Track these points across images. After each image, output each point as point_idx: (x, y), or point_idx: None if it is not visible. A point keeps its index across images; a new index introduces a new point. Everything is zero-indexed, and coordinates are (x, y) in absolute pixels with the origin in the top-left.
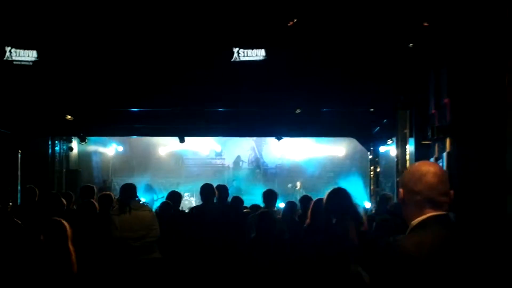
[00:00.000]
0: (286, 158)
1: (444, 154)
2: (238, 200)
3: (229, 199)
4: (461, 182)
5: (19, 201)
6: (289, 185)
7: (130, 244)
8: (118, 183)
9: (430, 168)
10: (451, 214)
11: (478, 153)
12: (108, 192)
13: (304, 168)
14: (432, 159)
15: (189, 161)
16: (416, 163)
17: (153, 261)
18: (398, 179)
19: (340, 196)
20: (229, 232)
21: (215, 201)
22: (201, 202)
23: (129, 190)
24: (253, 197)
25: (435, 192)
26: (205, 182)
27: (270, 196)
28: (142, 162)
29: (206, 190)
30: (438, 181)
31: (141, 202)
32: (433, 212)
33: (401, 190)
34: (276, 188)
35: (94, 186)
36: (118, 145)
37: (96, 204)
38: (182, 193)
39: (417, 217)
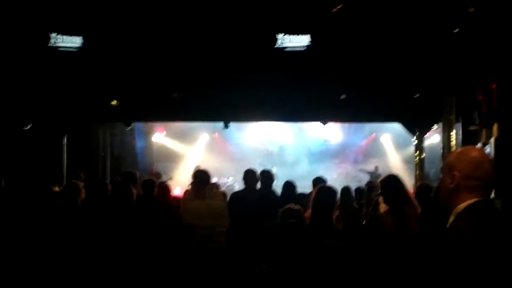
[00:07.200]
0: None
1: (492, 140)
2: (290, 186)
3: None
4: (509, 167)
5: None
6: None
7: (197, 232)
8: (162, 169)
9: (485, 156)
10: (497, 201)
11: None
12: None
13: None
14: (479, 145)
15: (233, 146)
16: (466, 149)
17: (218, 251)
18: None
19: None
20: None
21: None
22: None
23: (204, 177)
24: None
25: (492, 178)
26: (248, 168)
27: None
28: (185, 147)
29: (248, 176)
30: (493, 169)
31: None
32: (483, 197)
33: (456, 174)
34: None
35: (137, 172)
36: (161, 131)
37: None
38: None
39: (465, 201)
